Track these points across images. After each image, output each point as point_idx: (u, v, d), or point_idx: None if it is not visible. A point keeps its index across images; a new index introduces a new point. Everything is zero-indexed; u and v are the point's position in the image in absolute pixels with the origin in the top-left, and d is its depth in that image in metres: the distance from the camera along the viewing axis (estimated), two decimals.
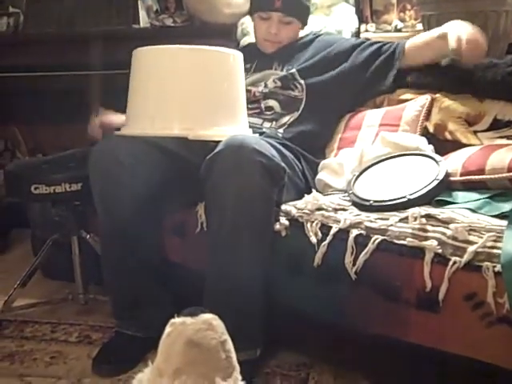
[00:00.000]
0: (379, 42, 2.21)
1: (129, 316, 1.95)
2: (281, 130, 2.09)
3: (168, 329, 0.97)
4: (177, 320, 0.97)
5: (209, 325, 0.95)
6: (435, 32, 2.05)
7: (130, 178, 1.85)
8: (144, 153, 1.89)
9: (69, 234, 2.20)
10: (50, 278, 2.47)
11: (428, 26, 2.27)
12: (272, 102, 2.16)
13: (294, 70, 2.17)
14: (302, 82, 2.15)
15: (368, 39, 2.29)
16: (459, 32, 1.92)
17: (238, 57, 1.93)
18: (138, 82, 1.89)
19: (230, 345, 0.97)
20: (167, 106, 1.82)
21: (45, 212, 2.38)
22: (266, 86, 2.18)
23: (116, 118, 2.15)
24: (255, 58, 2.27)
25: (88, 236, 2.21)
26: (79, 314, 2.22)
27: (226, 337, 0.97)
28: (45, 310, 2.26)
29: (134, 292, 1.94)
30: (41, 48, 2.85)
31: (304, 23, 2.29)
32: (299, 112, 2.13)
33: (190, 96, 1.82)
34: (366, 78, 2.17)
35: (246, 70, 2.21)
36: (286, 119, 2.12)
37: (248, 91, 2.12)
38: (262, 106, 2.16)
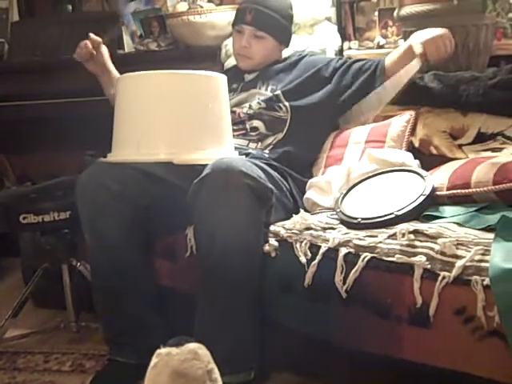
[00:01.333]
0: (361, 61, 2.22)
1: (121, 342, 1.93)
2: (266, 151, 2.10)
3: (154, 360, 0.97)
4: (162, 350, 0.96)
5: (194, 354, 0.94)
6: (403, 46, 2.09)
7: (117, 203, 1.85)
8: (131, 178, 1.89)
9: (59, 263, 2.20)
10: (41, 307, 2.45)
11: None
12: (257, 123, 2.17)
13: (278, 92, 2.18)
14: (287, 104, 2.16)
15: (350, 58, 2.30)
16: (420, 37, 1.96)
17: (221, 80, 1.94)
18: (122, 108, 1.90)
19: (216, 373, 0.97)
20: (152, 131, 1.82)
21: (35, 241, 2.37)
22: (250, 107, 2.19)
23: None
24: (241, 79, 2.29)
25: (78, 264, 2.20)
26: (72, 343, 2.21)
27: (213, 365, 0.97)
28: (37, 340, 2.24)
29: (125, 318, 1.92)
30: (26, 76, 2.84)
31: (281, 42, 2.30)
32: (284, 133, 2.14)
33: (175, 121, 1.83)
34: (348, 99, 2.18)
35: (233, 90, 2.23)
36: (270, 140, 2.13)
37: (233, 112, 2.13)
38: (247, 126, 2.17)
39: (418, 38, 1.97)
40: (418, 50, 1.93)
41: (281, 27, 2.27)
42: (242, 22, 2.24)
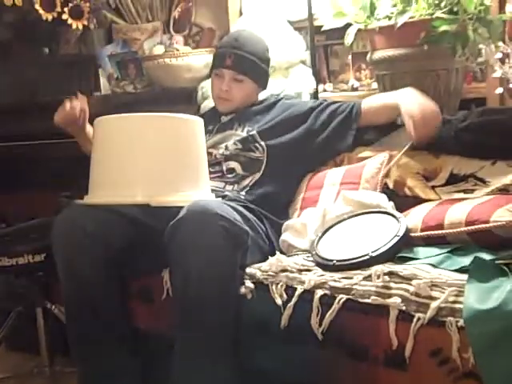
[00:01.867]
0: (337, 103, 2.26)
1: None
2: (243, 193, 2.11)
3: None
4: None
5: None
6: (388, 99, 2.12)
7: (93, 244, 1.84)
8: (107, 220, 1.89)
9: (33, 306, 2.18)
10: (15, 351, 2.42)
11: (383, 85, 2.33)
12: (233, 164, 2.18)
13: (254, 132, 2.21)
14: (263, 143, 2.18)
15: (325, 100, 2.35)
16: (411, 109, 1.95)
17: (198, 122, 1.96)
18: (99, 150, 1.91)
19: None
20: (129, 173, 1.84)
21: (9, 283, 2.35)
22: (226, 148, 2.20)
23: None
24: (217, 121, 2.31)
25: (53, 307, 2.18)
26: None
27: None
28: None
29: (101, 361, 1.90)
30: (1, 118, 2.85)
31: (260, 84, 2.34)
32: (261, 173, 2.16)
33: (152, 163, 1.84)
34: (324, 139, 2.21)
35: (208, 132, 2.25)
36: (247, 181, 2.15)
37: (209, 154, 2.14)
38: (224, 168, 2.18)
39: (410, 108, 1.96)
40: (410, 129, 1.94)
41: (259, 70, 2.31)
42: (222, 66, 2.28)
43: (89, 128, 2.25)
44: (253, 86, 2.31)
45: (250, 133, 2.21)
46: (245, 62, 2.26)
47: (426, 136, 1.95)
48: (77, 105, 2.19)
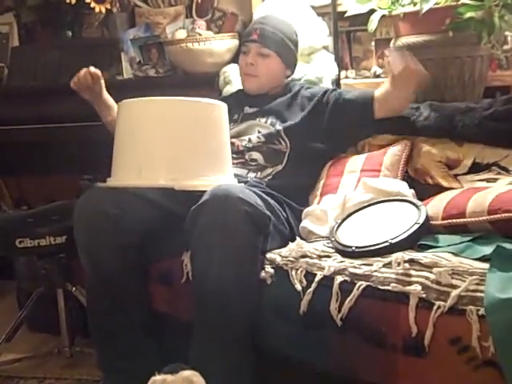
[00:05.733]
0: (351, 93, 2.25)
1: (115, 368, 1.92)
2: (266, 179, 2.12)
3: None
4: (157, 378, 0.96)
5: (189, 382, 0.94)
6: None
7: (115, 228, 1.86)
8: (129, 203, 1.90)
9: (54, 287, 2.20)
10: (36, 332, 2.44)
11: None
12: (256, 155, 2.18)
13: (280, 128, 2.19)
14: (287, 140, 2.18)
15: (346, 85, 2.33)
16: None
17: (222, 107, 1.96)
18: (123, 133, 1.91)
19: None
20: (152, 157, 1.84)
21: (30, 265, 2.37)
22: (249, 140, 2.19)
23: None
24: (241, 110, 2.31)
25: (74, 288, 2.20)
26: (65, 368, 2.20)
27: None
28: (30, 365, 2.24)
29: (120, 344, 1.92)
30: (24, 100, 2.87)
31: (286, 64, 2.32)
32: (283, 165, 2.16)
33: (176, 147, 1.84)
34: (344, 129, 2.21)
35: (234, 121, 2.24)
36: (269, 171, 2.15)
37: (232, 144, 2.14)
38: (247, 157, 2.18)
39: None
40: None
41: (286, 47, 2.30)
42: (248, 40, 2.29)
43: (106, 96, 2.25)
44: (279, 63, 2.29)
45: (276, 128, 2.20)
46: (271, 36, 2.26)
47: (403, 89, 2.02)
48: (89, 71, 2.18)
